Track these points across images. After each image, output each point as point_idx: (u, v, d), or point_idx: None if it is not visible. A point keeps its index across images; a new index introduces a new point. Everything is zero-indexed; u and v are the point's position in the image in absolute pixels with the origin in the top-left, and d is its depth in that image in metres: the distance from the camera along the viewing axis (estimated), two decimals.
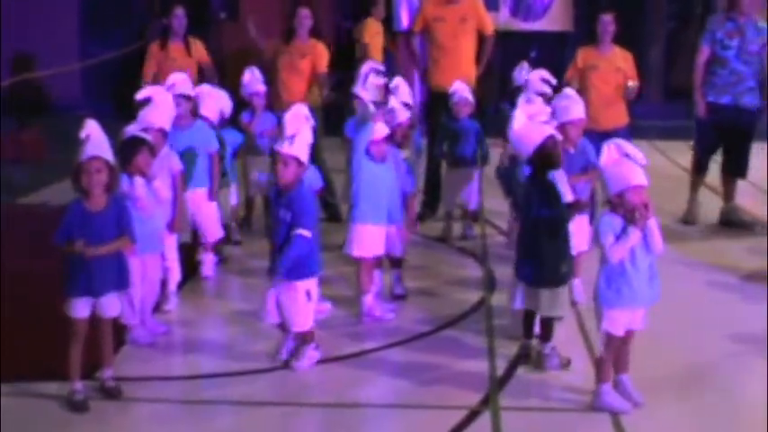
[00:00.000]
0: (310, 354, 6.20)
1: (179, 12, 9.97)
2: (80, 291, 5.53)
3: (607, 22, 9.41)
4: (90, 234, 5.49)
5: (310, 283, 6.10)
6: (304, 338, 6.20)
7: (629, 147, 5.42)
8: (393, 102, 7.75)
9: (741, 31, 9.52)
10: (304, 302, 6.08)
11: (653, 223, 5.35)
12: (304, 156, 6.02)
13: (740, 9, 9.51)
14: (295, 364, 6.15)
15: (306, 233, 5.93)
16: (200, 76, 9.75)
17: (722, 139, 9.78)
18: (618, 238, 5.32)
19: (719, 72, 9.58)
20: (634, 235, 5.30)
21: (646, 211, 5.29)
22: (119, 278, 5.69)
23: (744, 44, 9.52)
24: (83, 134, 5.54)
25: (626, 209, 5.33)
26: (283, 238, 5.98)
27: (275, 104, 9.36)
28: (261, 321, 6.31)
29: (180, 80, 7.84)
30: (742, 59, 9.54)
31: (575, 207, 6.24)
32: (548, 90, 8.34)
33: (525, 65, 9.39)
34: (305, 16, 9.63)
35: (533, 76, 8.58)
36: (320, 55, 9.68)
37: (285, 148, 5.96)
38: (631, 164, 5.38)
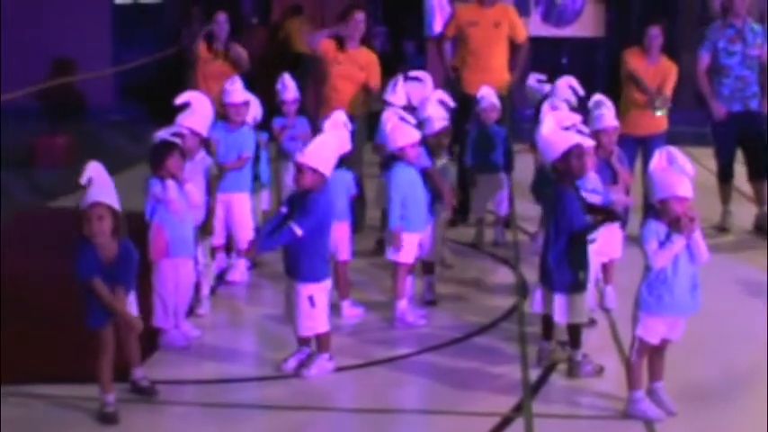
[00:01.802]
0: (321, 363, 6.17)
1: (221, 18, 9.95)
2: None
3: (655, 35, 9.35)
4: (104, 282, 5.36)
5: (314, 289, 6.05)
6: (319, 346, 6.19)
7: (680, 156, 5.38)
8: (430, 110, 7.76)
9: (742, 36, 9.53)
10: (307, 308, 6.05)
11: (698, 234, 5.34)
12: (322, 165, 5.99)
13: (737, 12, 9.51)
14: (304, 372, 6.13)
15: (297, 230, 5.91)
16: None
17: (740, 145, 9.77)
18: (662, 244, 5.31)
19: (725, 81, 9.59)
20: (678, 242, 5.29)
21: (692, 223, 5.27)
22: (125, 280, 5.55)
23: (746, 49, 9.54)
24: (84, 178, 5.34)
25: (669, 217, 5.31)
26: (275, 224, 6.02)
27: (323, 111, 9.07)
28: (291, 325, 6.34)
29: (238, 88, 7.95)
30: (745, 64, 9.58)
31: (603, 216, 6.22)
32: (572, 98, 8.31)
33: (536, 76, 9.34)
34: (361, 20, 9.25)
35: (561, 83, 8.55)
36: (376, 67, 9.36)
37: (301, 157, 5.98)
38: (679, 174, 5.35)
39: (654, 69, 9.36)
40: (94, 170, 5.36)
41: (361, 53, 9.41)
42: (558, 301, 6.05)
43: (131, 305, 5.64)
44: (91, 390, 5.61)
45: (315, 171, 5.97)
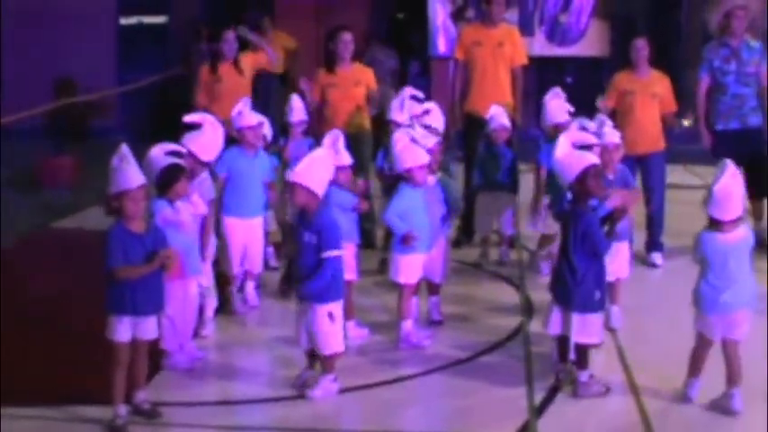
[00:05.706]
0: (327, 385, 6.15)
1: (229, 36, 9.89)
2: (124, 309, 5.57)
3: (640, 46, 9.36)
4: (134, 256, 5.57)
5: (332, 307, 6.07)
6: (325, 367, 6.17)
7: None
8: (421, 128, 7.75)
9: (737, 55, 9.57)
10: (328, 324, 6.06)
11: None
12: (313, 182, 6.00)
13: (732, 33, 9.56)
14: (309, 393, 6.12)
15: (336, 253, 5.99)
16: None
17: (740, 163, 9.72)
18: None
19: (722, 99, 9.63)
20: None
21: None
22: (158, 300, 5.75)
23: (741, 67, 9.57)
24: (117, 160, 5.60)
25: None
26: (310, 262, 6.01)
27: (324, 128, 9.06)
28: (297, 347, 6.32)
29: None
30: (742, 82, 9.60)
31: (610, 223, 6.22)
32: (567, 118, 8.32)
33: (558, 91, 9.28)
34: (349, 41, 9.40)
35: (551, 104, 8.52)
36: (371, 79, 9.53)
37: (290, 175, 6.02)
38: None
39: (643, 83, 9.35)
40: (127, 152, 5.64)
41: (354, 70, 9.55)
42: (575, 320, 6.04)
43: (152, 327, 5.74)
44: (92, 410, 5.61)
45: (306, 189, 5.99)
